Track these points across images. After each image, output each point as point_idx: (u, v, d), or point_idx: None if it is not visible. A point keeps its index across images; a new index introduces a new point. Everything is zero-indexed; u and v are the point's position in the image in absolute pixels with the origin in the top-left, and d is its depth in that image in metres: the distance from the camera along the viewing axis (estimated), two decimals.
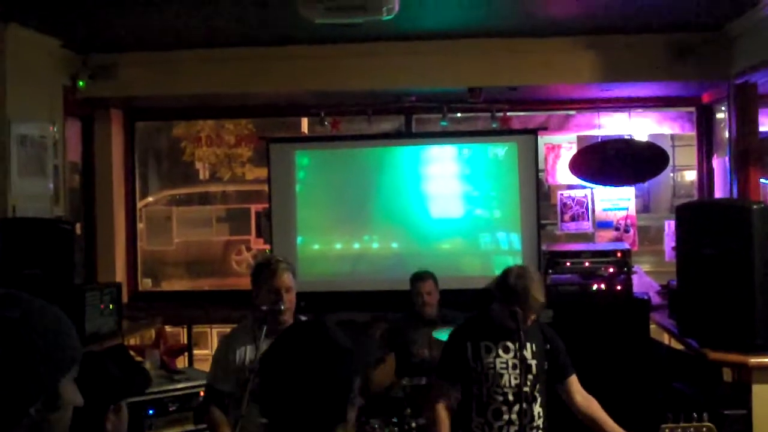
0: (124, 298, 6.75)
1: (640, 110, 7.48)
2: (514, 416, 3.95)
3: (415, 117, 7.65)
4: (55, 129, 6.15)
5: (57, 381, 1.59)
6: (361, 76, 6.65)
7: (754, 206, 4.85)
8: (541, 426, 4.06)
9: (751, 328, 4.70)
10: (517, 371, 3.92)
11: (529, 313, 3.92)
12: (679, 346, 5.65)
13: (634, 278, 6.14)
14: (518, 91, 6.83)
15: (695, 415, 3.66)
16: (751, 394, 4.64)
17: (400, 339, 5.83)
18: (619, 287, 5.98)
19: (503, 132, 7.27)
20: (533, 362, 4.00)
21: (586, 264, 6.07)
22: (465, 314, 5.80)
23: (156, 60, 6.66)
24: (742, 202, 5.56)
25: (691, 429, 3.69)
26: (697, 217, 5.18)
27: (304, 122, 9.85)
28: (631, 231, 7.27)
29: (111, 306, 5.85)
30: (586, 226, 7.42)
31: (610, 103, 7.32)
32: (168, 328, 6.86)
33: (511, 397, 3.95)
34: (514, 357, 3.95)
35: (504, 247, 7.09)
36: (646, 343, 5.86)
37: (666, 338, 6.11)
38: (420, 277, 6.02)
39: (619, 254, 6.12)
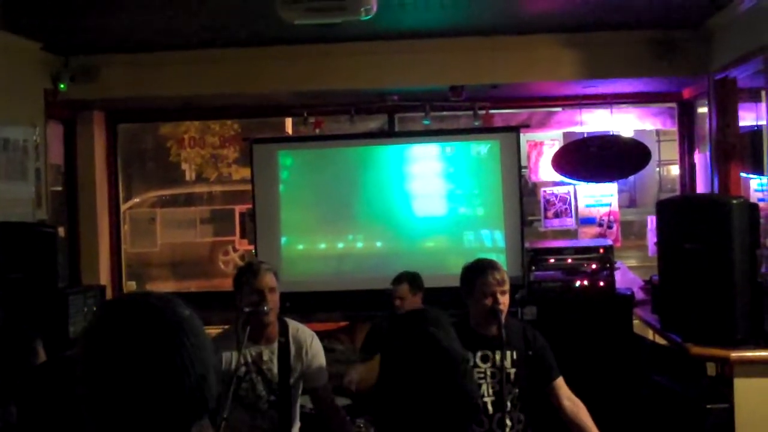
0: None
1: (622, 106, 7.50)
2: (494, 425, 3.93)
3: (398, 116, 7.66)
4: (37, 132, 6.13)
5: None
6: (344, 76, 6.65)
7: (734, 201, 4.89)
8: None
9: (731, 322, 4.74)
10: (496, 380, 3.93)
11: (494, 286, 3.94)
12: (662, 341, 5.69)
13: (618, 274, 6.16)
14: (500, 89, 6.84)
15: None
16: (732, 388, 4.68)
17: (384, 338, 5.83)
18: (601, 283, 5.99)
19: (486, 130, 7.28)
20: (512, 370, 3.97)
21: (569, 261, 6.08)
22: (450, 312, 5.85)
23: (138, 61, 6.63)
24: (723, 197, 5.59)
25: None
26: (678, 212, 5.22)
27: (289, 122, 9.85)
28: (614, 227, 7.30)
29: (95, 309, 5.85)
30: (570, 222, 7.45)
31: (591, 100, 7.34)
32: None
33: (490, 407, 3.93)
34: (492, 366, 3.95)
35: (488, 244, 7.10)
36: (630, 338, 5.89)
37: (650, 334, 6.15)
38: (395, 280, 5.98)
39: (601, 250, 6.13)
